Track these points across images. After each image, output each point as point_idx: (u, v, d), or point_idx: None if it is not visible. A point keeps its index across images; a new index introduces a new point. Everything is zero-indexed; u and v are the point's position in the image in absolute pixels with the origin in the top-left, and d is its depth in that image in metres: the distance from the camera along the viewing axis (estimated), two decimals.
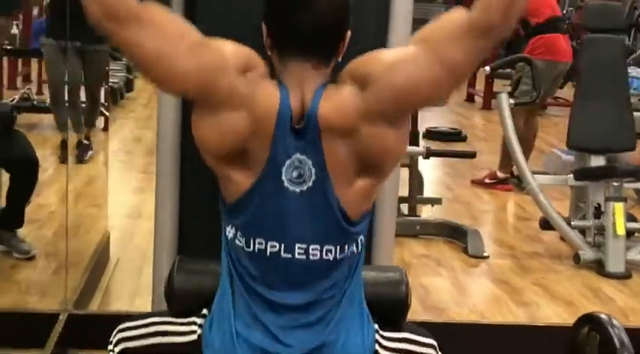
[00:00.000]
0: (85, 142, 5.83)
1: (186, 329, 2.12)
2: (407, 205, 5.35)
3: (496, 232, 5.63)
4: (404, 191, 5.34)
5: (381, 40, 2.52)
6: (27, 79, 7.33)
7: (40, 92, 6.56)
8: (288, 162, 1.93)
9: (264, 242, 1.96)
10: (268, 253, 1.97)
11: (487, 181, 6.47)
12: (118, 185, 5.38)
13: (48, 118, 5.94)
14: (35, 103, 5.93)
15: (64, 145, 5.50)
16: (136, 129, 7.98)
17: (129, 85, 9.52)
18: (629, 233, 4.86)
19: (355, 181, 1.96)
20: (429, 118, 8.27)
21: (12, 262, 4.09)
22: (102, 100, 6.20)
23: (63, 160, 5.37)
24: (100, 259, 4.31)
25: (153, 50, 1.88)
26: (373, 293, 2.15)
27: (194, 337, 2.09)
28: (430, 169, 6.74)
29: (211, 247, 2.14)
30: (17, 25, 7.33)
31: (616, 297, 4.41)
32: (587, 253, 4.79)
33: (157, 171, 2.64)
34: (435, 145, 6.95)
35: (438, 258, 4.92)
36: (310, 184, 1.94)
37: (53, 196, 4.78)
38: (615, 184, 4.84)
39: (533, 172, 5.47)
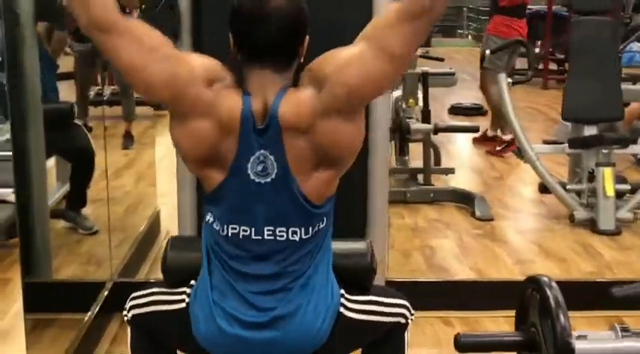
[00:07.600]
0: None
1: (178, 298, 2.13)
2: (422, 175, 5.25)
3: (503, 196, 5.38)
4: (420, 163, 5.28)
5: None
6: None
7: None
8: (252, 158, 1.93)
9: (237, 227, 1.97)
10: (241, 236, 1.97)
11: (498, 148, 6.29)
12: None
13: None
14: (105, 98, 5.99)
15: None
16: None
17: None
18: (620, 194, 4.69)
19: (315, 172, 1.95)
20: (455, 96, 8.03)
21: (77, 237, 4.02)
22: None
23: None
24: (151, 232, 4.31)
25: (130, 59, 1.88)
26: (343, 263, 2.13)
27: (183, 305, 2.11)
28: (451, 141, 6.67)
29: None
30: None
31: (604, 252, 4.27)
32: (581, 213, 4.67)
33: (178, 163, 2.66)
34: (459, 120, 6.86)
35: (447, 222, 4.78)
36: (274, 176, 1.94)
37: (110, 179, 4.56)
38: (604, 151, 4.70)
39: (545, 142, 5.39)
